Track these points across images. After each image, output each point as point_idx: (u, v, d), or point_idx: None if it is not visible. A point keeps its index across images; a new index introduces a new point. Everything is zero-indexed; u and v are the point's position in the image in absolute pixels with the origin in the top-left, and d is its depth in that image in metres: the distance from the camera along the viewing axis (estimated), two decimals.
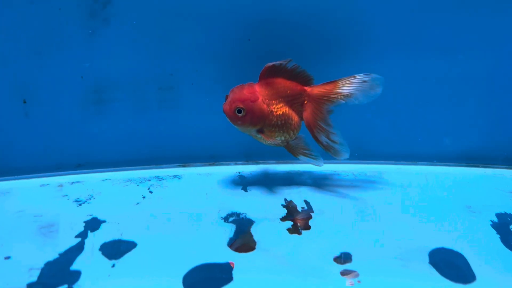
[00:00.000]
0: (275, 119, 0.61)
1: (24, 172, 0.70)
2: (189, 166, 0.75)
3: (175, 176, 0.70)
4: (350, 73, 0.61)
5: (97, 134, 0.71)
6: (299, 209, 0.61)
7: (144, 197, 0.63)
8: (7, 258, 0.49)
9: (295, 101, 0.63)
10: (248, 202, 0.62)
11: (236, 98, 0.60)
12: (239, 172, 0.72)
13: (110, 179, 0.69)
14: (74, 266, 0.48)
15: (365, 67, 0.63)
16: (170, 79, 0.70)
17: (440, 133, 0.75)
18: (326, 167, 0.69)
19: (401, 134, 0.75)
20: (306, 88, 0.63)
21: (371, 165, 0.74)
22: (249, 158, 0.76)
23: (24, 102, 0.67)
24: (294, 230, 0.56)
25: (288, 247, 0.53)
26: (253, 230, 0.56)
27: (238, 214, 0.59)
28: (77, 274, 0.47)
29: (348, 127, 0.63)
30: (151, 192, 0.65)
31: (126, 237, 0.53)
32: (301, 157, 0.65)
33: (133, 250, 0.51)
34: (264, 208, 0.61)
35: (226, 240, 0.54)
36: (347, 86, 0.60)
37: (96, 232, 0.54)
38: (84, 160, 0.72)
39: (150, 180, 0.68)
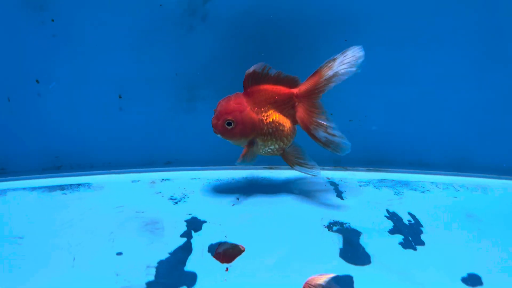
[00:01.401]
0: (265, 127, 0.59)
1: (116, 167, 0.71)
2: (276, 168, 0.73)
3: (264, 178, 0.69)
4: None
5: (188, 131, 0.71)
6: (405, 222, 0.57)
7: (238, 199, 0.62)
8: (119, 254, 0.50)
9: (284, 106, 0.60)
10: (347, 211, 0.59)
11: (223, 110, 0.58)
12: (328, 178, 0.70)
13: (199, 178, 0.68)
14: (188, 267, 0.47)
15: None
16: None
17: None
18: (422, 177, 0.67)
19: None
20: (293, 90, 0.60)
21: (471, 178, 0.70)
22: (337, 163, 0.74)
23: (120, 97, 0.69)
24: (407, 244, 0.52)
25: (405, 262, 0.49)
26: (362, 241, 0.53)
27: (341, 224, 0.56)
28: (192, 276, 0.46)
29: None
30: (243, 193, 0.64)
31: (231, 239, 0.52)
32: (296, 167, 0.62)
33: (243, 254, 0.49)
34: (366, 218, 0.58)
35: (336, 250, 0.51)
36: (331, 70, 0.57)
37: (200, 232, 0.53)
38: (173, 157, 0.72)
39: (239, 181, 0.68)
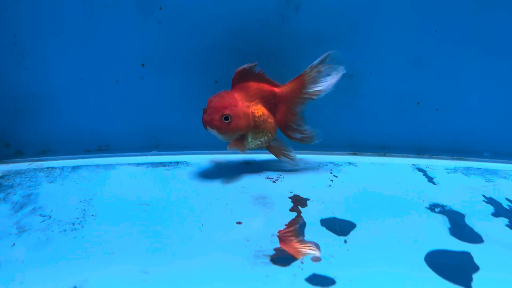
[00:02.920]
0: (257, 120, 0.61)
1: (210, 148, 0.74)
2: (359, 155, 0.76)
3: (350, 163, 0.72)
4: None
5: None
6: (505, 206, 0.58)
7: (332, 180, 0.65)
8: (239, 223, 0.53)
9: (268, 102, 0.63)
10: (444, 195, 0.60)
11: (219, 106, 0.58)
12: (414, 165, 0.71)
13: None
14: (308, 237, 0.50)
15: None
16: (351, 68, 0.71)
17: None
18: (509, 167, 0.68)
19: None
20: (275, 89, 0.63)
21: None
22: (420, 152, 0.76)
23: (216, 82, 0.72)
24: None
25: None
26: (469, 222, 0.54)
27: (442, 206, 0.58)
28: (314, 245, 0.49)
29: None
30: (335, 176, 0.67)
31: (338, 215, 0.55)
32: (282, 158, 0.65)
33: (356, 229, 0.52)
34: (464, 201, 0.59)
35: (445, 229, 0.52)
36: (314, 84, 0.60)
37: (308, 208, 0.56)
38: None
39: (327, 165, 0.71)
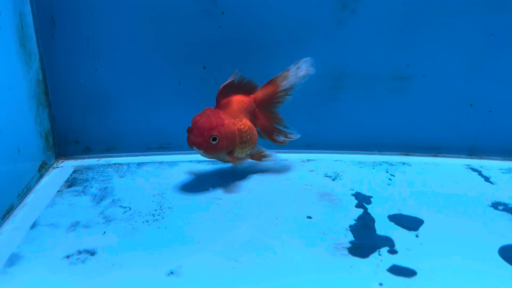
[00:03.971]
0: (244, 135, 0.61)
1: (268, 147, 0.75)
2: (411, 155, 0.77)
3: (404, 163, 0.73)
4: None
5: (328, 117, 0.76)
6: None
7: (390, 179, 0.67)
8: (309, 217, 0.56)
9: (249, 112, 0.63)
10: (504, 193, 0.61)
11: (206, 127, 0.57)
12: (467, 165, 0.72)
13: (341, 160, 0.73)
14: (379, 232, 0.52)
15: None
16: (404, 70, 0.73)
17: None
18: None
19: None
20: (252, 96, 0.63)
21: None
22: (472, 152, 0.77)
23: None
24: None
25: None
26: None
27: (504, 204, 0.59)
28: (387, 239, 0.51)
29: None
30: (392, 175, 0.68)
31: (404, 212, 0.57)
32: (263, 159, 0.66)
33: (424, 225, 0.53)
34: None
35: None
36: (287, 80, 0.61)
37: (373, 205, 0.58)
38: (313, 141, 0.78)
39: (381, 165, 0.72)
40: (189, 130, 0.57)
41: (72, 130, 0.75)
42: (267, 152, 0.67)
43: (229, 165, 0.68)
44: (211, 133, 0.57)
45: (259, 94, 0.64)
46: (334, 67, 0.73)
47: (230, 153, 0.62)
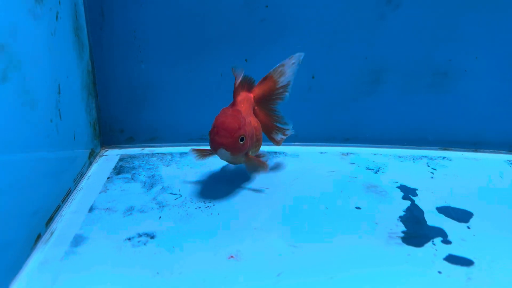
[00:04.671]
0: (258, 134, 0.59)
1: (302, 140, 0.78)
2: (451, 150, 0.77)
3: (444, 158, 0.73)
4: None
5: (367, 111, 0.76)
6: None
7: (432, 173, 0.67)
8: (358, 208, 0.57)
9: (253, 110, 0.61)
10: None
11: (234, 127, 0.53)
12: (508, 161, 0.72)
13: (380, 154, 0.74)
14: (429, 223, 0.53)
15: None
16: (446, 65, 0.74)
17: None
18: None
19: None
20: (251, 94, 0.61)
21: None
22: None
23: (313, 77, 0.76)
24: None
25: None
26: None
27: None
28: (439, 230, 0.51)
29: None
30: (434, 169, 0.68)
31: (452, 204, 0.57)
32: (258, 167, 0.59)
33: (475, 217, 0.53)
34: None
35: None
36: (284, 76, 0.59)
37: (419, 198, 0.58)
38: (352, 134, 0.79)
39: (421, 159, 0.72)
40: (214, 132, 0.53)
41: (117, 120, 0.77)
42: (262, 152, 0.63)
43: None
44: (240, 134, 0.53)
45: (257, 91, 0.61)
46: (375, 61, 0.74)
47: (246, 153, 0.58)
